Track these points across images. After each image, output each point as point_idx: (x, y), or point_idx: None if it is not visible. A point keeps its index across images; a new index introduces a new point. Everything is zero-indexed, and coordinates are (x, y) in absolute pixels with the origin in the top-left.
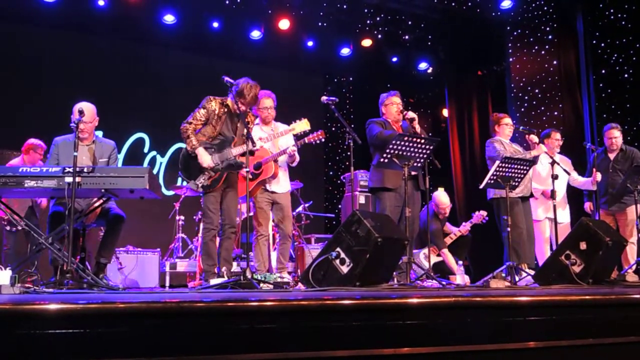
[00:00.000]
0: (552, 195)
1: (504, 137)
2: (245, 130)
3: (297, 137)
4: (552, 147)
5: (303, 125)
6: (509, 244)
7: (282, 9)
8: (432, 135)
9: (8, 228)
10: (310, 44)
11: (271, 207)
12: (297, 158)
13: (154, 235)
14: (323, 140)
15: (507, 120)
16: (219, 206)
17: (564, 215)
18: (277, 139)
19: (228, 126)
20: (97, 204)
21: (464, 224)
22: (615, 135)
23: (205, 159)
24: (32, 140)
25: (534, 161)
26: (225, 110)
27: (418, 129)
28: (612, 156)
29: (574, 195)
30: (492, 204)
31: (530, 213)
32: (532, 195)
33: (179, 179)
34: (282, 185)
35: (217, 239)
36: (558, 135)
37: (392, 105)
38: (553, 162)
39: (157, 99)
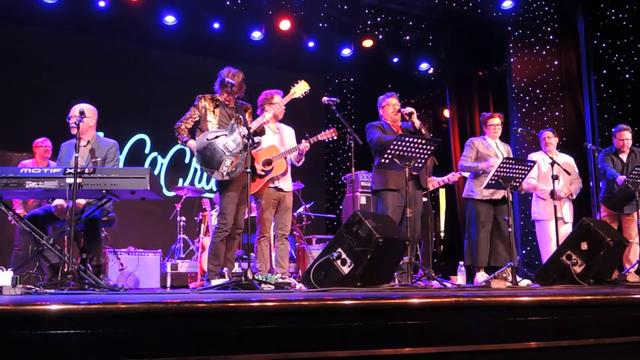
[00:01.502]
0: (552, 195)
1: (491, 137)
2: (246, 131)
3: (310, 135)
4: (545, 146)
5: (302, 86)
6: (467, 244)
7: (282, 9)
8: (433, 136)
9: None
10: (311, 44)
11: (276, 207)
12: (304, 158)
13: (155, 236)
14: (335, 137)
15: (493, 120)
16: (235, 208)
17: (567, 215)
18: (283, 138)
19: (226, 118)
20: (98, 205)
21: (453, 173)
22: (627, 137)
23: (194, 144)
24: (37, 140)
25: (534, 162)
26: (217, 104)
27: (417, 123)
28: (624, 157)
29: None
30: (464, 202)
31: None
32: (504, 199)
33: (180, 180)
34: (289, 183)
35: None
36: (549, 134)
37: (389, 106)
38: (553, 163)
39: (157, 100)
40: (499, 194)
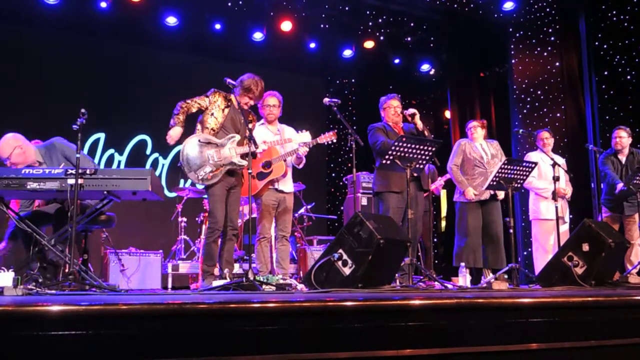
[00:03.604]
0: (554, 196)
1: (473, 140)
2: (248, 132)
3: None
4: (543, 146)
5: (304, 137)
6: (462, 247)
7: (284, 10)
8: (434, 137)
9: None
10: (312, 45)
11: (276, 208)
12: (304, 160)
13: (156, 237)
14: (335, 140)
15: (471, 124)
16: (225, 207)
17: (566, 215)
18: (284, 139)
19: (232, 122)
20: (99, 206)
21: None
22: (620, 135)
23: (173, 135)
24: None
25: (536, 163)
26: (229, 104)
27: (420, 125)
28: (622, 159)
29: (577, 197)
30: (455, 206)
31: (497, 214)
32: (494, 197)
33: (182, 181)
34: (289, 185)
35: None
36: (547, 134)
37: (390, 109)
38: (554, 164)
39: (159, 101)
40: (487, 194)
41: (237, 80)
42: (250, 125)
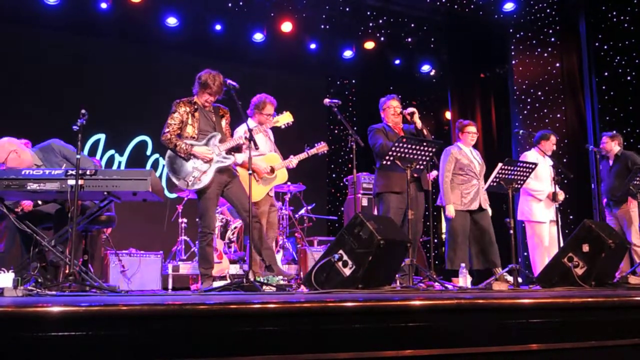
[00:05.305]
0: (554, 197)
1: (466, 144)
2: (249, 134)
3: (309, 147)
4: (548, 149)
5: (286, 117)
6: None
7: (284, 11)
8: (434, 137)
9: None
10: (312, 46)
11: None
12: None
13: (156, 238)
14: (326, 151)
15: (471, 128)
16: (216, 209)
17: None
18: (270, 139)
19: (206, 122)
20: (98, 208)
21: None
22: (604, 141)
23: (206, 152)
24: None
25: (536, 164)
26: (196, 107)
27: (419, 123)
28: (610, 162)
29: (577, 198)
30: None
31: (488, 222)
32: (480, 208)
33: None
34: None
35: (214, 241)
36: (554, 139)
37: (389, 109)
38: (554, 166)
39: (159, 102)
40: (475, 205)
41: (196, 77)
42: (224, 120)
